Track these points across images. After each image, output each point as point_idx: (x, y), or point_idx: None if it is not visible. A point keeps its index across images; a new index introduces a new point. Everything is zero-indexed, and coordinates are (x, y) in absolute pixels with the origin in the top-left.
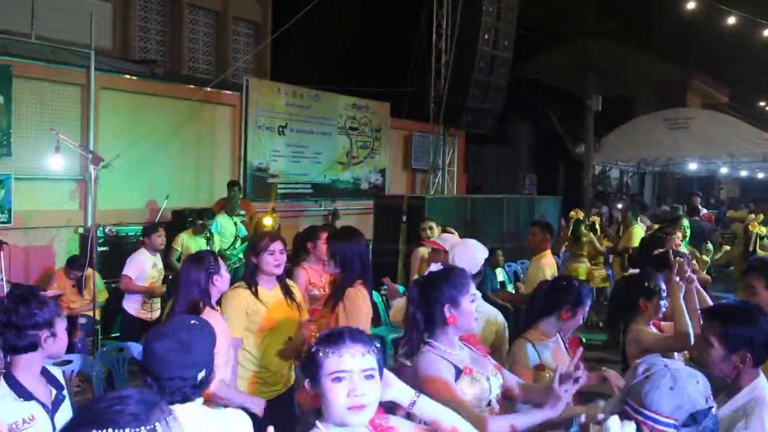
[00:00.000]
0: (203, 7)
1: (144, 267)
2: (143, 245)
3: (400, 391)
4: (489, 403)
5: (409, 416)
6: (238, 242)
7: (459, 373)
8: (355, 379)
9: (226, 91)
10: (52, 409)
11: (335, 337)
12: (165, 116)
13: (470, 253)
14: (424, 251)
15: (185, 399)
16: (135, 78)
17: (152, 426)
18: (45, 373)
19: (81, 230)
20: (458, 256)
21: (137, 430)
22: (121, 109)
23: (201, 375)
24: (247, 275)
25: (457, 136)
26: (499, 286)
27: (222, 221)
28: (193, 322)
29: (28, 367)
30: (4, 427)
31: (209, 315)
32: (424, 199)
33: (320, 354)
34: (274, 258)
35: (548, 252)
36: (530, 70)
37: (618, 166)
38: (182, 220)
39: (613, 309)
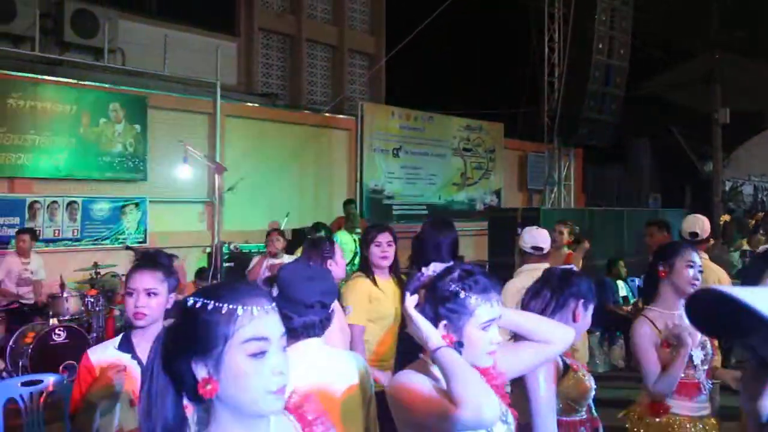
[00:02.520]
0: (321, 42)
1: (260, 269)
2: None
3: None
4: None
5: None
6: (357, 258)
7: (566, 368)
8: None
9: (343, 116)
10: None
11: (483, 284)
12: (285, 141)
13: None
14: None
15: (321, 331)
16: (257, 105)
17: (234, 307)
18: None
19: (209, 250)
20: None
21: (220, 305)
22: (245, 135)
23: (332, 307)
24: (363, 266)
25: (574, 155)
26: (621, 300)
27: (342, 237)
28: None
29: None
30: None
31: None
32: (540, 210)
33: (472, 300)
34: (381, 250)
35: None
36: (650, 87)
37: (751, 182)
38: (301, 239)
39: None
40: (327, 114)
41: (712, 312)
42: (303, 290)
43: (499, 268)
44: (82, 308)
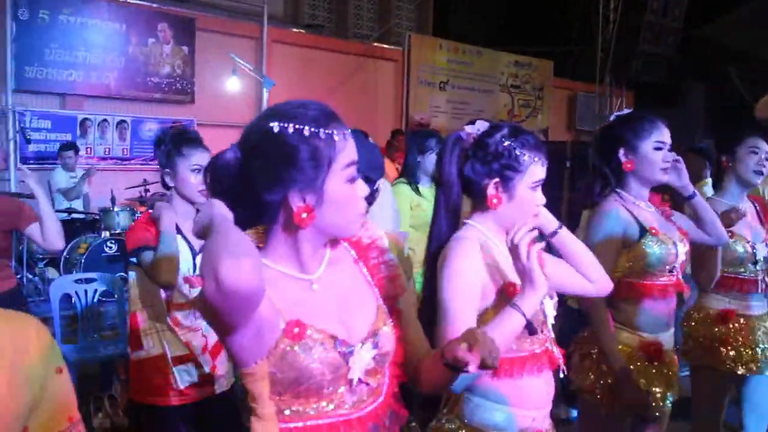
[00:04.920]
0: None
1: None
2: None
3: (546, 218)
4: (672, 269)
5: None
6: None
7: (643, 231)
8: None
9: (389, 47)
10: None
11: (534, 142)
12: (331, 70)
13: None
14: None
15: (367, 206)
16: (303, 32)
17: (330, 131)
18: None
19: None
20: None
21: (316, 130)
22: (291, 63)
23: (378, 183)
24: (408, 173)
25: (625, 97)
26: None
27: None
28: None
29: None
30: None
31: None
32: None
33: (526, 157)
34: (435, 156)
35: (708, 181)
36: (709, 29)
37: None
38: None
39: None
40: (374, 44)
41: None
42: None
43: (547, 202)
44: (131, 223)
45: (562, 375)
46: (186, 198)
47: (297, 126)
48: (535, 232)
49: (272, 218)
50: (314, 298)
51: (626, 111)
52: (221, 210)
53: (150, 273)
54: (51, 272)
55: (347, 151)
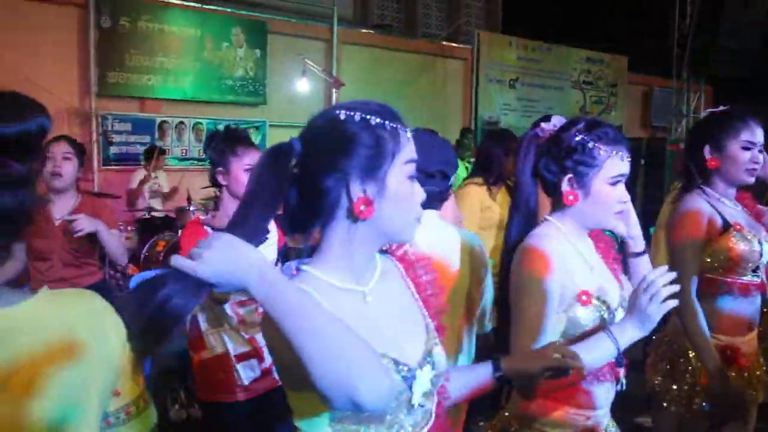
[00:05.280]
0: None
1: None
2: None
3: (636, 235)
4: (756, 269)
5: None
6: None
7: (727, 227)
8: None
9: (458, 45)
10: None
11: (612, 135)
12: (400, 70)
13: None
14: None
15: (439, 203)
16: (373, 32)
17: (395, 125)
18: None
19: None
20: None
21: (382, 121)
22: (360, 63)
23: (452, 179)
24: (479, 172)
25: (704, 90)
26: None
27: None
28: None
29: None
30: None
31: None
32: (666, 141)
33: (601, 151)
34: (511, 158)
35: None
36: None
37: None
38: None
39: None
40: (443, 43)
41: None
42: (425, 158)
43: None
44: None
45: (620, 387)
46: (238, 197)
47: (363, 115)
48: (676, 287)
49: (330, 213)
50: (368, 312)
51: (721, 108)
52: (270, 270)
53: None
54: (131, 269)
55: (409, 148)
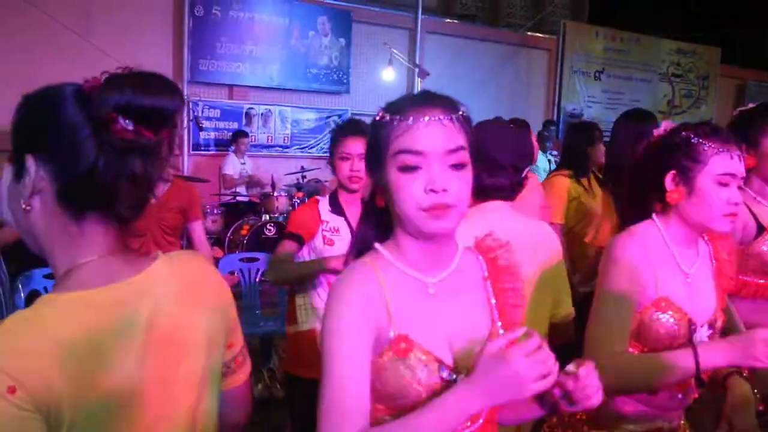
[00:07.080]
0: None
1: None
2: None
3: None
4: None
5: None
6: None
7: (761, 230)
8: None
9: (543, 35)
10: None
11: (722, 133)
12: (483, 60)
13: None
14: None
15: (511, 194)
16: (456, 22)
17: (460, 113)
18: None
19: None
20: None
21: (391, 116)
22: (443, 53)
23: (526, 172)
24: (571, 163)
25: None
26: None
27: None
28: None
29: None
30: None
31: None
32: None
33: (706, 147)
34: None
35: None
36: None
37: None
38: None
39: None
40: (528, 33)
41: None
42: (498, 150)
43: None
44: (290, 207)
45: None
46: (341, 185)
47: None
48: None
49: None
50: (428, 305)
51: (750, 105)
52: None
53: (272, 260)
54: (216, 251)
55: (406, 137)
